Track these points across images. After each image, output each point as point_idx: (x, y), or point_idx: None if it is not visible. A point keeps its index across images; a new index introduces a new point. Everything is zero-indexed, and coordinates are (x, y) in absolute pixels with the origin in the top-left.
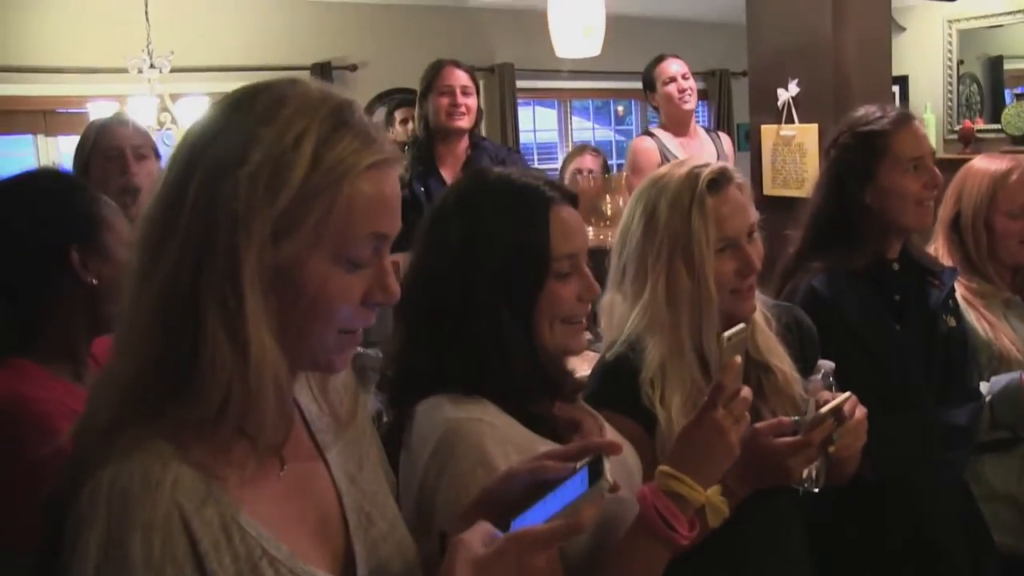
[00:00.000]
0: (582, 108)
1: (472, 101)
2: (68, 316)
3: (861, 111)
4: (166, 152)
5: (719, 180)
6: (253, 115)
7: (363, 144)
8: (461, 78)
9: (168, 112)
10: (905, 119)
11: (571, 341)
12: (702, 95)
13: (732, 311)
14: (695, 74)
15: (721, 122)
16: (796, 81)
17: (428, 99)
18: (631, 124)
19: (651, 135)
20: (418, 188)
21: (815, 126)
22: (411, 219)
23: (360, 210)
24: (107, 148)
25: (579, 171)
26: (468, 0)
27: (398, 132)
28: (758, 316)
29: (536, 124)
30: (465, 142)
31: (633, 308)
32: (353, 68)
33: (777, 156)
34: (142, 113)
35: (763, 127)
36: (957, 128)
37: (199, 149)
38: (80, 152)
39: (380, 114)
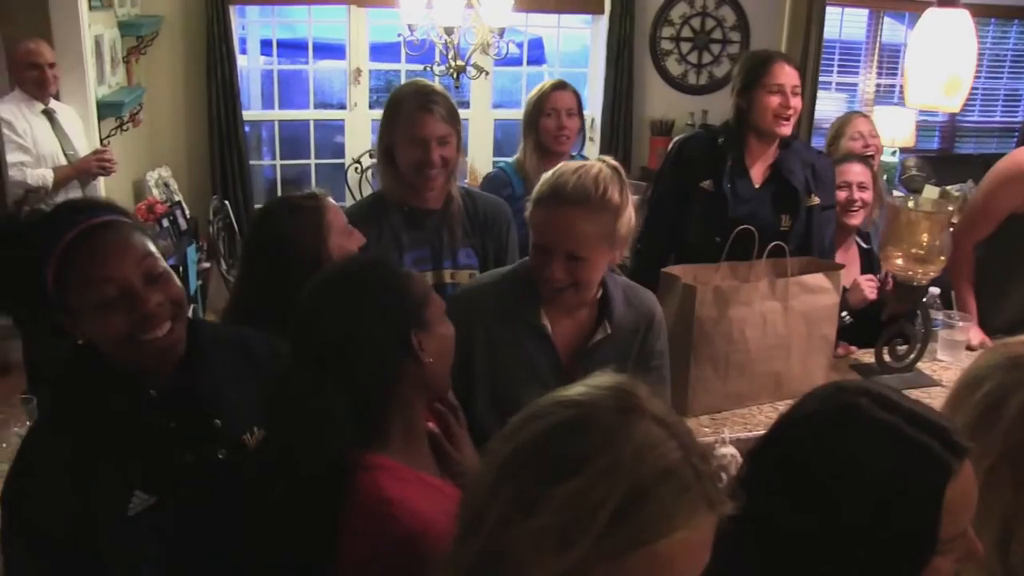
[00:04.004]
0: (897, 13)
1: (799, 102)
2: (409, 402)
3: None
4: (466, 49)
5: None
6: (553, 466)
7: (682, 506)
8: (792, 76)
9: (473, 8)
10: None
11: None
12: None
13: None
14: None
15: None
16: None
17: (752, 92)
18: None
19: None
20: (726, 185)
21: None
22: (713, 216)
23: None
24: (413, 137)
25: (856, 136)
26: None
27: None
28: None
29: (843, 26)
30: (777, 140)
31: None
32: None
33: None
34: (447, 12)
35: None
36: None
37: (506, 473)
38: (387, 131)
39: (680, 8)
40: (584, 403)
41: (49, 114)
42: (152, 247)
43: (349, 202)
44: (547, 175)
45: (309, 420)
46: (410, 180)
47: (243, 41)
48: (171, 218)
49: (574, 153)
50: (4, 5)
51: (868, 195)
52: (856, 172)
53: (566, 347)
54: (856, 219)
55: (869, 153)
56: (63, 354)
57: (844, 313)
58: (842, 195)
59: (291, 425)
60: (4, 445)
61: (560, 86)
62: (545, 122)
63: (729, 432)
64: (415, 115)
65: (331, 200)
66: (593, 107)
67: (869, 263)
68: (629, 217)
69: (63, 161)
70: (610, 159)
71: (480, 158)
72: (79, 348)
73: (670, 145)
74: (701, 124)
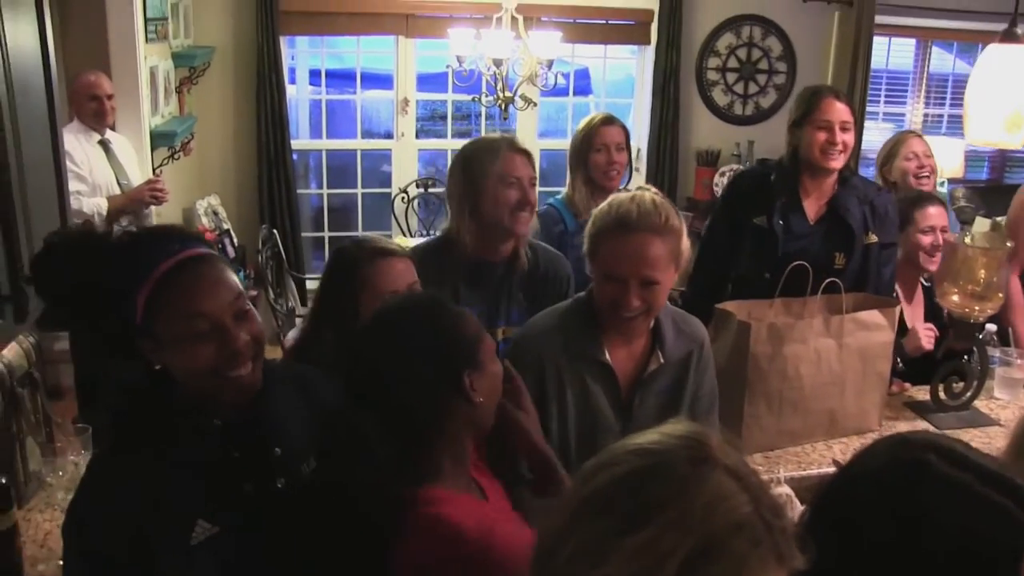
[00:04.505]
0: (945, 43)
1: (850, 137)
2: (458, 438)
3: None
4: (514, 80)
5: None
6: (623, 515)
7: (751, 560)
8: (841, 113)
9: (521, 39)
10: None
11: None
12: None
13: None
14: None
15: None
16: None
17: (803, 128)
18: None
19: None
20: (777, 221)
21: None
22: (763, 252)
23: None
24: (511, 177)
25: (911, 156)
26: None
27: None
28: None
29: (890, 55)
30: (834, 177)
31: None
32: None
33: None
34: (496, 44)
35: None
36: None
37: (577, 520)
38: (477, 177)
39: (727, 39)
40: (657, 452)
41: (105, 144)
42: (240, 285)
43: (395, 231)
44: (602, 209)
45: (352, 452)
46: (503, 224)
47: (292, 71)
48: (220, 246)
49: (621, 187)
50: (65, 38)
51: (951, 237)
52: (937, 215)
53: (624, 378)
54: (936, 264)
55: (925, 174)
56: (130, 379)
57: (897, 359)
58: (927, 240)
59: (335, 456)
60: (61, 473)
61: (608, 120)
62: (595, 157)
63: (784, 471)
64: (512, 157)
65: (397, 262)
66: (639, 137)
67: (931, 301)
68: (686, 238)
69: (117, 190)
70: (652, 188)
71: None
72: (154, 373)
73: (715, 177)
74: (759, 159)
